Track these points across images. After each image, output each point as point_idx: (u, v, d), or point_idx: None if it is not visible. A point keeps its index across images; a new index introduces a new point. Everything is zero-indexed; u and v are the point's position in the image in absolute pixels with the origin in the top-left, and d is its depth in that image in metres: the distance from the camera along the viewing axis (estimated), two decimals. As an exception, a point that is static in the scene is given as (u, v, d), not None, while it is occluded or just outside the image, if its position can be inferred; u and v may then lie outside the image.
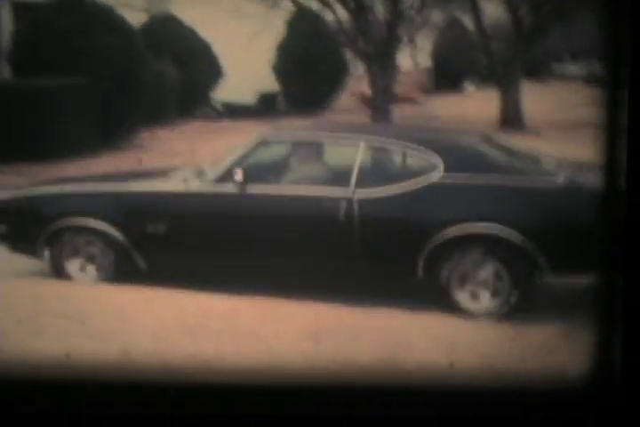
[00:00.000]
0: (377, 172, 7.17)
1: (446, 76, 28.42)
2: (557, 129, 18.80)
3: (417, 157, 6.98)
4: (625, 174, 2.39)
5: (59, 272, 7.57)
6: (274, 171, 7.44)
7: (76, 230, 7.53)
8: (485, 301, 6.66)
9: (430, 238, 6.65)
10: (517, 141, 17.17)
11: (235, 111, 21.70)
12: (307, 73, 21.97)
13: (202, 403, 2.90)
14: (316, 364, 5.05)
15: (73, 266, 7.52)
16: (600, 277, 2.47)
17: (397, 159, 7.31)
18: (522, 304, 6.58)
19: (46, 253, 7.61)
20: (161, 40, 19.51)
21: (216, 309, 6.50)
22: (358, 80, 16.27)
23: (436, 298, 6.78)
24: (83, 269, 7.53)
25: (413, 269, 6.72)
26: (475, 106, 23.36)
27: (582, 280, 6.16)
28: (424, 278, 6.76)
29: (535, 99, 22.30)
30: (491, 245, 6.57)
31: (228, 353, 5.43)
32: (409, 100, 24.15)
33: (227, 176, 7.17)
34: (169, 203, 7.37)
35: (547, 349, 5.98)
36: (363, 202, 6.82)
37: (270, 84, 22.78)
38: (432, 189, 6.78)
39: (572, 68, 39.98)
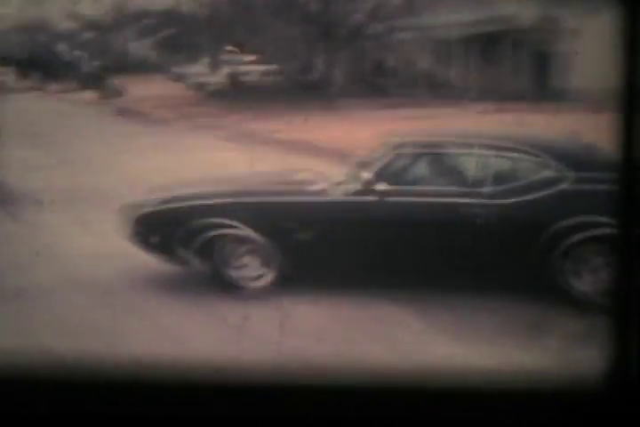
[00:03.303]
0: (509, 179, 7.63)
1: None
2: None
3: (546, 165, 7.51)
4: None
5: (221, 279, 8.10)
6: (410, 178, 7.96)
7: (229, 240, 8.01)
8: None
9: (562, 241, 7.24)
10: None
11: None
12: None
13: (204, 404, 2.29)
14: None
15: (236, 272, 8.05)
16: (617, 277, 2.39)
17: (527, 168, 7.69)
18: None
19: (196, 261, 8.14)
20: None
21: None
22: None
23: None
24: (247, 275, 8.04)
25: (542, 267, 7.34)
26: None
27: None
28: (550, 275, 7.37)
29: None
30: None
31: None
32: None
33: (370, 186, 7.75)
34: (318, 212, 7.95)
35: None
36: (500, 207, 7.40)
37: None
38: (563, 194, 7.36)
39: None
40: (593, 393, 2.41)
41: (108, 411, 2.53)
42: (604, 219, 7.18)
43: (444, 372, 5.27)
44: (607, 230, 7.10)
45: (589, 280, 7.20)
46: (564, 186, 7.35)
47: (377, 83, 35.63)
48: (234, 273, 7.98)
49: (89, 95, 41.32)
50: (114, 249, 9.71)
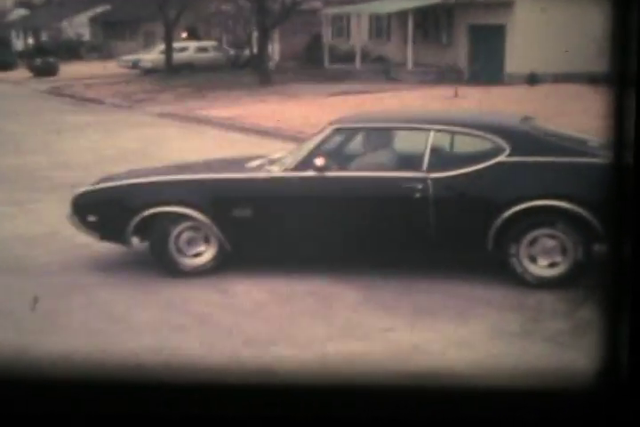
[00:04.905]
0: (446, 154, 7.71)
1: None
2: None
3: (484, 142, 7.44)
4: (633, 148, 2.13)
5: (161, 257, 7.90)
6: (348, 153, 8.00)
7: (168, 219, 7.80)
8: (549, 269, 7.22)
9: (500, 214, 7.13)
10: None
11: None
12: None
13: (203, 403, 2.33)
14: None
15: (176, 251, 7.82)
16: (607, 275, 2.26)
17: (466, 144, 7.67)
18: (580, 271, 7.15)
19: (134, 240, 8.04)
20: None
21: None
22: None
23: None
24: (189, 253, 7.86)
25: (484, 241, 7.24)
26: None
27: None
28: (493, 250, 7.29)
29: None
30: (557, 218, 7.13)
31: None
32: None
33: (306, 163, 7.62)
34: (254, 189, 7.77)
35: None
36: (439, 180, 7.28)
37: None
38: (501, 168, 7.28)
39: None
40: (582, 393, 2.34)
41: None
42: (541, 190, 7.20)
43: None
44: (544, 202, 7.14)
45: (530, 249, 7.25)
46: (500, 158, 7.37)
47: (313, 57, 35.50)
48: (173, 251, 7.88)
49: (20, 74, 40.54)
50: (48, 229, 9.55)
